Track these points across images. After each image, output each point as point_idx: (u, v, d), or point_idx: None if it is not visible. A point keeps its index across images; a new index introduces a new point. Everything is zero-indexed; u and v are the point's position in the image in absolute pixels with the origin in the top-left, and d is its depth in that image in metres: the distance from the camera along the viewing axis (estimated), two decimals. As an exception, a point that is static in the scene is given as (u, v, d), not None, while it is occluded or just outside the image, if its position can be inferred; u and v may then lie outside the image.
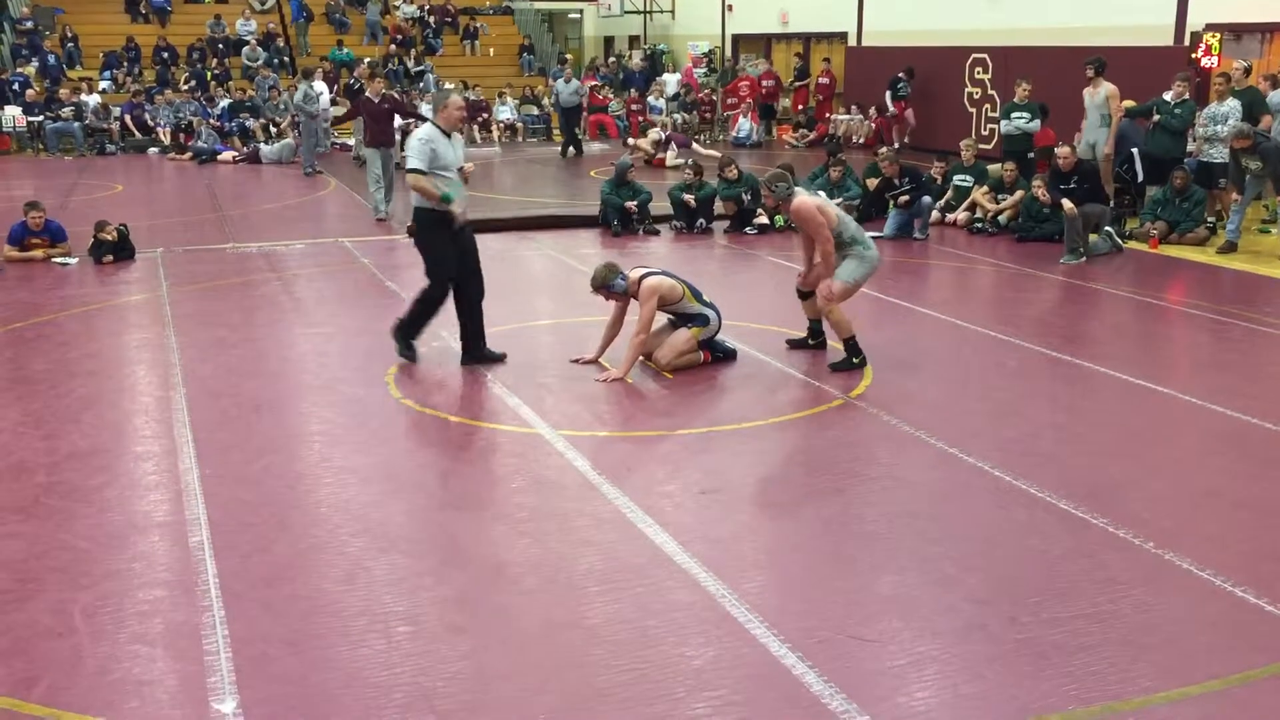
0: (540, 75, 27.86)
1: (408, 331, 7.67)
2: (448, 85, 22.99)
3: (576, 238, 12.55)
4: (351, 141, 19.67)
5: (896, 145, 20.00)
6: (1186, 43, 15.93)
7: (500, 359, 7.69)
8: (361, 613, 4.31)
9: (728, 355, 7.66)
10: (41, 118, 21.49)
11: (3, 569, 4.69)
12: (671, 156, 18.74)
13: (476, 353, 7.68)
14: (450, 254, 7.46)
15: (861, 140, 20.97)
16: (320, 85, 19.60)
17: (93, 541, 4.97)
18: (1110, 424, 6.54)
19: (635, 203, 12.75)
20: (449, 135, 7.44)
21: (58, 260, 11.07)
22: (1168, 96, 12.53)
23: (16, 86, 22.17)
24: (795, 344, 7.89)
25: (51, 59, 24.13)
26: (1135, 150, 12.87)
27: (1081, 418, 6.64)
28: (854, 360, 7.35)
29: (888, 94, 20.37)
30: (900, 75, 20.18)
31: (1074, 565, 4.68)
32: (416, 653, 4.03)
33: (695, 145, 20.13)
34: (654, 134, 19.68)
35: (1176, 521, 5.11)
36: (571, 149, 20.55)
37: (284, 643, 4.10)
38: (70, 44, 25.19)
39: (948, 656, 4.00)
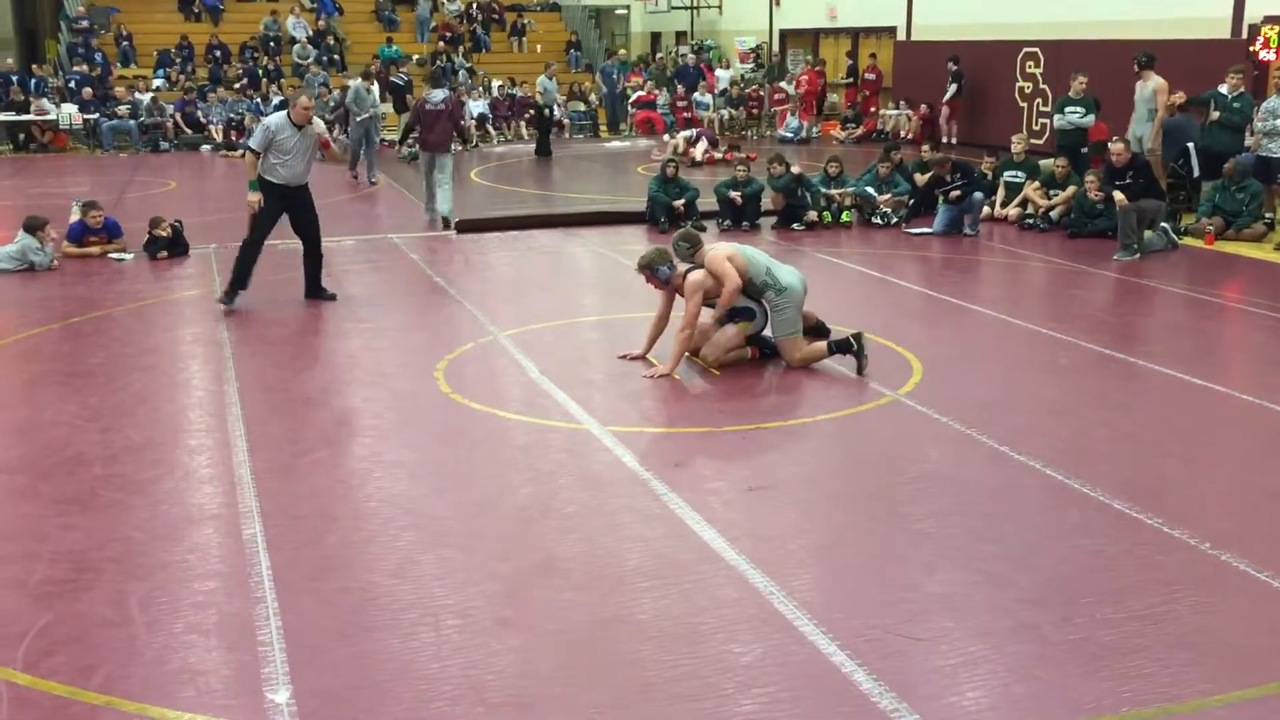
0: (587, 71, 27.91)
1: (235, 283, 9.09)
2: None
3: (623, 234, 12.56)
4: (395, 138, 19.67)
5: (946, 140, 19.88)
6: (1244, 36, 15.65)
7: (331, 298, 9.33)
8: (412, 606, 4.35)
9: (775, 351, 7.63)
10: (97, 115, 21.83)
11: (62, 559, 4.78)
12: (700, 152, 18.76)
13: (312, 291, 9.38)
14: (266, 217, 9.09)
15: (910, 136, 20.82)
16: (373, 86, 19.42)
17: (148, 533, 5.05)
18: (1165, 423, 6.45)
19: (683, 200, 12.74)
20: (300, 128, 8.93)
21: (114, 256, 11.25)
22: (1223, 90, 12.31)
23: (73, 85, 22.54)
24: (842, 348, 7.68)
25: (99, 57, 24.42)
26: (1191, 145, 12.66)
27: (1135, 417, 6.55)
28: (854, 350, 7.21)
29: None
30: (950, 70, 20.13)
31: (1128, 565, 4.62)
32: (466, 646, 4.06)
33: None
34: (684, 134, 19.95)
35: (1234, 522, 5.03)
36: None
37: (336, 634, 4.14)
38: (125, 43, 25.57)
39: (999, 656, 3.96)
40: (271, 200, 9.07)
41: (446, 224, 13.02)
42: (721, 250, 7.51)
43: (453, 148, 13.52)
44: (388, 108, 20.38)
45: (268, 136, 8.89)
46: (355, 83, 17.49)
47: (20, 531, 5.08)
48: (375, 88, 18.74)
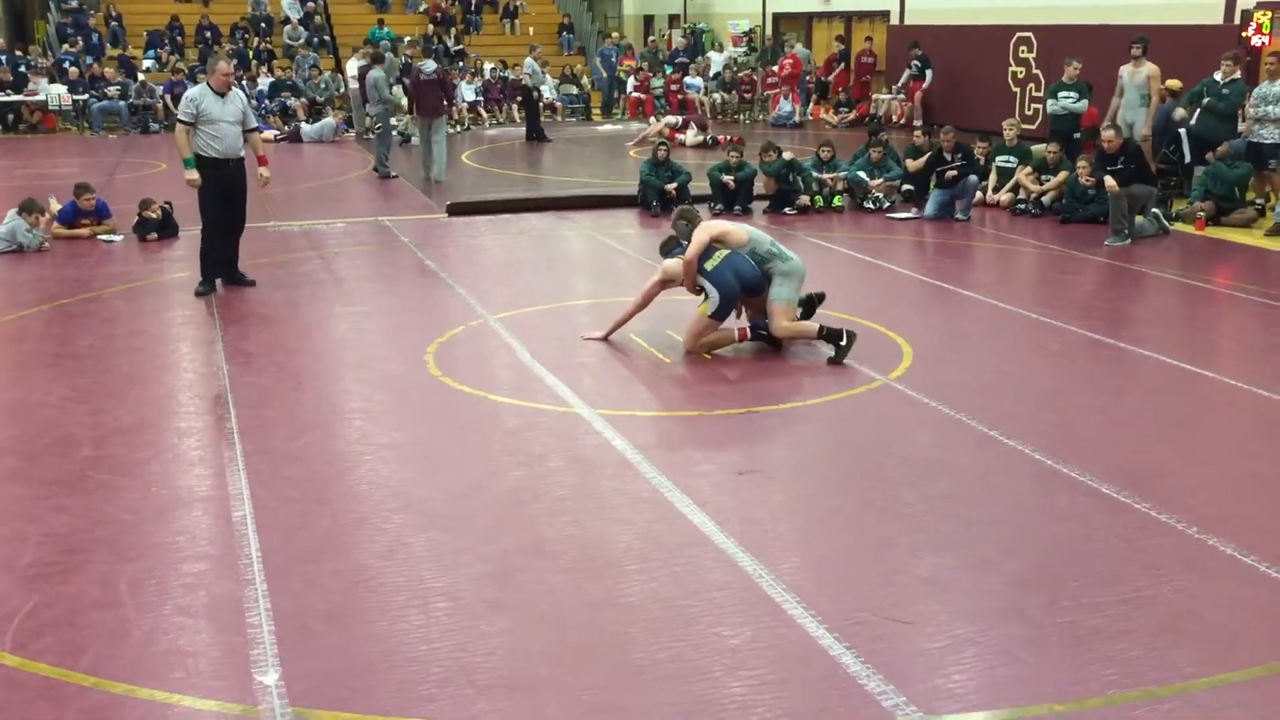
0: (580, 54, 27.80)
1: (205, 274, 9.07)
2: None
3: (615, 218, 12.54)
4: (395, 120, 19.53)
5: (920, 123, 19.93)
6: (1237, 21, 15.64)
7: (251, 283, 9.21)
8: (401, 588, 4.36)
9: (766, 334, 7.61)
10: (86, 96, 21.70)
11: (51, 542, 4.78)
12: (692, 135, 19.06)
13: (230, 277, 9.25)
14: (213, 198, 8.92)
15: (902, 121, 20.80)
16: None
17: (138, 515, 5.04)
18: (1154, 408, 6.47)
19: (675, 184, 12.72)
20: (221, 95, 8.79)
21: (103, 237, 11.22)
22: (1217, 76, 12.31)
23: (66, 65, 22.39)
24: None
25: (94, 38, 24.26)
26: (1183, 131, 12.67)
27: (1125, 402, 6.57)
28: (842, 344, 7.15)
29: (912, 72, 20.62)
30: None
31: (1115, 550, 4.64)
32: (455, 628, 4.07)
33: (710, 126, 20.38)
34: (669, 119, 20.16)
35: (1220, 507, 5.05)
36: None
37: (325, 617, 4.15)
38: (115, 23, 25.40)
39: (986, 639, 3.98)
40: (210, 179, 8.86)
41: (438, 183, 14.18)
42: (717, 224, 7.53)
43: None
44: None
45: (193, 108, 8.72)
46: (374, 72, 15.98)
47: (9, 513, 5.07)
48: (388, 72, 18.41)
